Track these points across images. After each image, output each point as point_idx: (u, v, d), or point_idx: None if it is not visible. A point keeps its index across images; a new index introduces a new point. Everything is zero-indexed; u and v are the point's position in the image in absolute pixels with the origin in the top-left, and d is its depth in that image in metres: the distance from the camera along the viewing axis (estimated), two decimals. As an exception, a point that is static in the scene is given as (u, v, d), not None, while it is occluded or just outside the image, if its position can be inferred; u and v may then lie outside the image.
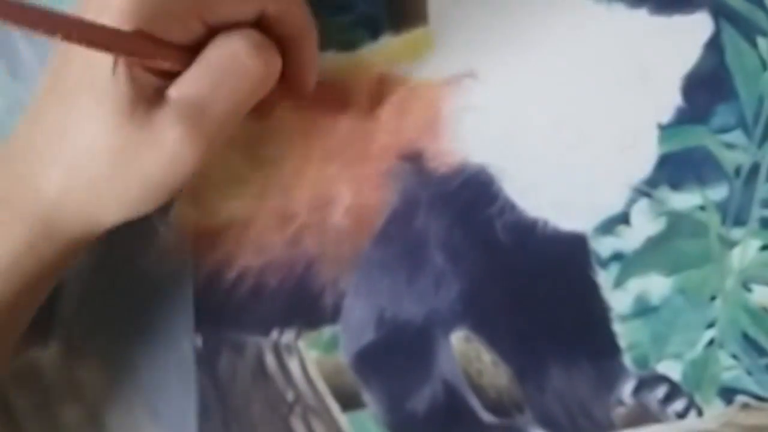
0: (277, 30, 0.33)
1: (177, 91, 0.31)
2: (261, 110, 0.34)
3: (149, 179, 0.32)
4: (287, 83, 0.34)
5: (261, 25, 0.32)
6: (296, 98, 0.36)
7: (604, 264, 0.38)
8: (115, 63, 0.30)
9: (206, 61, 0.31)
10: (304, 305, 0.39)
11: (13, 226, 0.33)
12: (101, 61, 0.30)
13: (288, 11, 0.33)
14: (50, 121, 0.32)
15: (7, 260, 0.33)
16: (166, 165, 0.31)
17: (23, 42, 0.40)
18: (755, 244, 0.38)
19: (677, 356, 0.38)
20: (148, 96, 0.31)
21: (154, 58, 0.30)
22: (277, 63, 0.32)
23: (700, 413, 0.38)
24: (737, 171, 0.38)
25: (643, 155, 0.38)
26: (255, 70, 0.31)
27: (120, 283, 0.40)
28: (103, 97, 0.30)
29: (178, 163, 0.31)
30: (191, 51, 0.31)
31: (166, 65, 0.31)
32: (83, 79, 0.31)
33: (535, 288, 0.39)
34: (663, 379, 0.38)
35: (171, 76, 0.31)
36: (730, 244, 0.38)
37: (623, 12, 0.38)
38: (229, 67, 0.31)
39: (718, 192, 0.38)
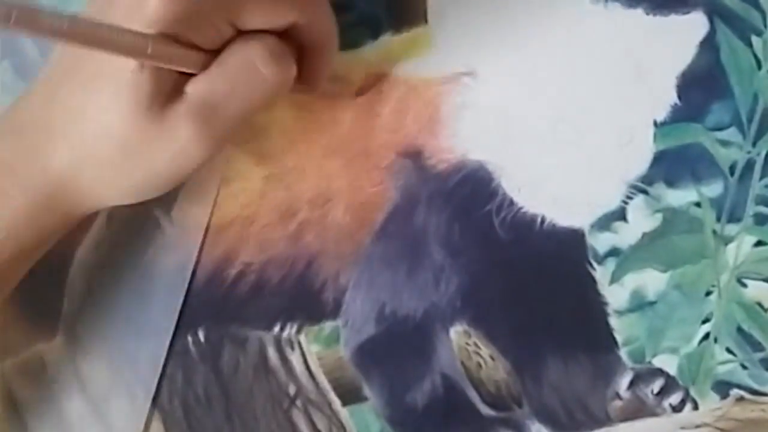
0: (303, 38, 0.33)
1: (193, 89, 0.32)
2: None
3: (155, 170, 0.33)
4: (299, 80, 0.34)
5: (288, 32, 0.33)
6: (303, 93, 0.36)
7: (601, 259, 0.39)
8: (141, 63, 0.30)
9: (224, 64, 0.32)
10: (305, 300, 0.40)
11: (15, 195, 0.34)
12: None
13: (316, 22, 0.34)
14: (67, 101, 0.33)
15: (4, 227, 0.34)
16: (174, 159, 0.32)
17: (29, 41, 0.40)
18: (750, 240, 0.39)
19: (673, 350, 0.39)
20: (167, 91, 0.31)
21: (177, 64, 0.31)
22: (291, 72, 0.33)
23: (695, 407, 0.39)
24: (732, 168, 0.39)
25: (640, 152, 0.39)
26: (270, 78, 0.32)
27: (124, 278, 0.40)
28: (123, 88, 0.31)
29: (185, 159, 0.32)
30: (213, 53, 0.32)
31: (188, 69, 0.31)
32: (106, 67, 0.31)
33: (533, 283, 0.39)
34: (659, 372, 0.39)
35: (190, 73, 0.32)
36: (725, 240, 0.39)
37: (620, 11, 0.39)
38: (244, 73, 0.32)
39: (714, 189, 0.39)
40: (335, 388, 0.40)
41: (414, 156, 0.39)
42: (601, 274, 0.39)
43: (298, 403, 0.40)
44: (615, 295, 0.39)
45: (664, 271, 0.39)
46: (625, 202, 0.39)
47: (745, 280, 0.39)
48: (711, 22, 0.38)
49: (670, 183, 0.39)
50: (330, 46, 0.35)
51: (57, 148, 0.33)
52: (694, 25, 0.39)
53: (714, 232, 0.39)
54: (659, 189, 0.39)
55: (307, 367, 0.40)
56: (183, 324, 0.40)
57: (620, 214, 0.39)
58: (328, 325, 0.40)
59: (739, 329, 0.39)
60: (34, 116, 0.34)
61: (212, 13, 0.31)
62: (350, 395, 0.40)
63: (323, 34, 0.34)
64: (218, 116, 0.32)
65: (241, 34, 0.32)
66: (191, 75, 0.32)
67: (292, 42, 0.33)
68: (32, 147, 0.33)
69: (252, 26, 0.32)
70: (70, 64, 0.33)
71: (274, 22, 0.32)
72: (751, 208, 0.39)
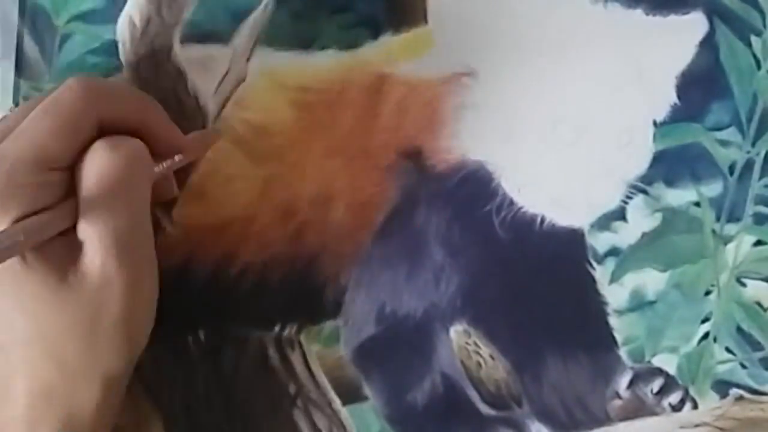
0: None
1: (73, 240, 0.32)
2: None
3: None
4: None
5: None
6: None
7: (601, 259, 0.39)
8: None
9: (80, 172, 0.32)
10: (305, 300, 0.40)
11: None
12: None
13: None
14: None
15: None
16: (111, 297, 0.32)
17: (29, 40, 0.40)
18: (749, 239, 0.39)
19: (672, 350, 0.39)
20: (57, 264, 0.31)
21: (54, 228, 0.31)
22: (136, 148, 0.33)
23: (695, 406, 0.39)
24: (731, 168, 0.39)
25: (639, 152, 0.39)
26: (116, 164, 0.32)
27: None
28: (23, 295, 0.31)
29: (116, 290, 0.32)
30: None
31: (66, 224, 0.32)
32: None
33: (532, 283, 0.39)
34: (658, 372, 0.39)
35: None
36: (725, 240, 0.39)
37: (619, 12, 0.39)
38: (95, 170, 0.32)
39: (713, 188, 0.39)
40: (335, 388, 0.40)
41: (414, 156, 0.39)
42: (600, 273, 0.39)
43: (299, 402, 0.40)
44: (615, 295, 0.39)
45: (664, 271, 0.39)
46: (625, 202, 0.39)
47: (744, 280, 0.39)
48: (710, 22, 0.39)
49: (670, 183, 0.39)
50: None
51: None
52: (693, 26, 0.39)
53: (713, 231, 0.39)
54: (659, 189, 0.39)
55: (308, 367, 0.40)
56: (183, 324, 0.40)
57: (620, 214, 0.39)
58: (328, 325, 0.40)
59: (739, 329, 0.39)
60: None
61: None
62: (350, 394, 0.40)
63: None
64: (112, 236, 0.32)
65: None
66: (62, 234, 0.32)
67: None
68: None
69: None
70: None
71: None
72: (751, 208, 0.39)
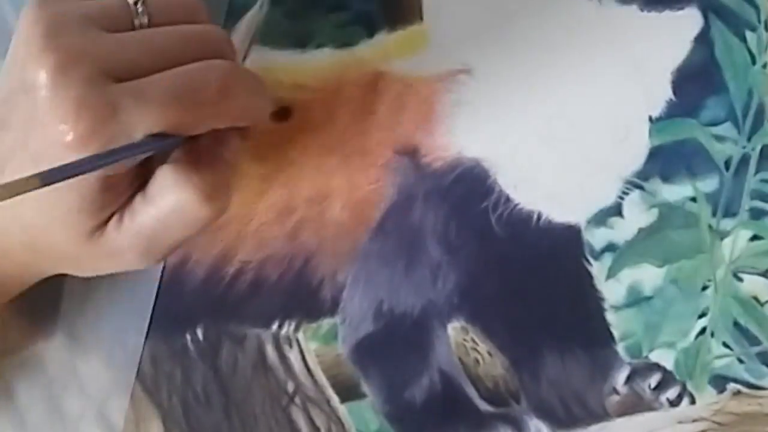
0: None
1: (131, 225, 0.32)
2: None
3: (102, 272, 0.34)
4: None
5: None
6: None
7: (598, 255, 0.39)
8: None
9: (153, 197, 0.32)
10: (303, 298, 0.40)
11: None
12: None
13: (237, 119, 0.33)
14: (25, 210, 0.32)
15: None
16: (119, 270, 0.34)
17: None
18: (745, 234, 0.39)
19: (670, 345, 0.39)
20: (105, 220, 0.32)
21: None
22: (227, 203, 0.32)
23: (692, 401, 0.39)
24: (727, 163, 0.39)
25: (635, 148, 0.39)
26: (204, 218, 0.32)
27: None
28: (69, 218, 0.31)
29: (131, 269, 0.34)
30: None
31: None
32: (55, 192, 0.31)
33: (529, 279, 0.39)
34: (656, 367, 0.39)
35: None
36: (721, 235, 0.39)
37: (614, 8, 0.39)
38: (178, 214, 0.31)
39: (709, 184, 0.39)
40: (333, 385, 0.40)
41: (410, 153, 0.39)
42: (597, 269, 0.39)
43: (297, 400, 0.40)
44: (611, 291, 0.39)
45: (661, 266, 0.39)
46: (621, 198, 0.39)
47: (740, 275, 0.39)
48: (705, 17, 0.39)
49: (666, 178, 0.39)
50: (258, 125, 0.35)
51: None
52: (688, 21, 0.39)
53: (710, 226, 0.39)
54: (655, 184, 0.39)
55: (306, 365, 0.40)
56: (181, 322, 0.40)
57: (616, 210, 0.39)
58: (326, 323, 0.40)
59: (736, 323, 0.39)
60: None
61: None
62: (348, 392, 0.40)
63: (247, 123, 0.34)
64: (157, 244, 0.32)
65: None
66: (128, 200, 0.32)
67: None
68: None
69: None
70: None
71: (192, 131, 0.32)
72: (747, 203, 0.39)
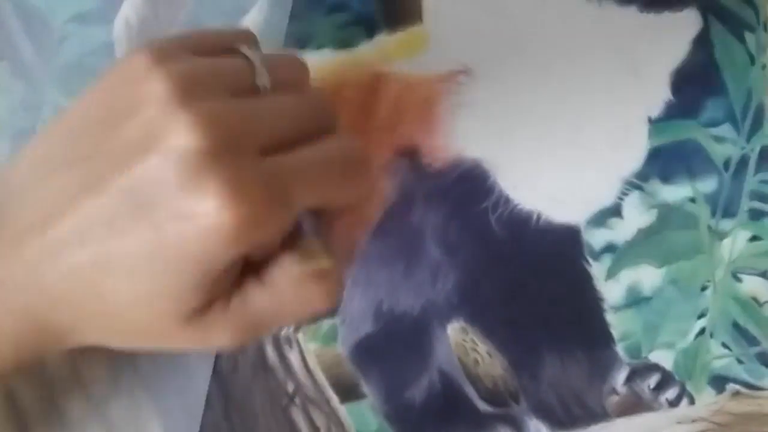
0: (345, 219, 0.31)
1: (239, 304, 0.29)
2: None
3: (175, 350, 0.30)
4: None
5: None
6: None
7: (597, 255, 0.39)
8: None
9: (273, 284, 0.29)
10: (303, 298, 0.40)
11: None
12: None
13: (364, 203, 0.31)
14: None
15: None
16: (197, 350, 0.31)
17: (25, 42, 0.40)
18: (744, 234, 0.39)
19: (669, 345, 0.39)
20: (212, 299, 0.28)
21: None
22: (338, 287, 0.30)
23: (691, 401, 0.39)
24: (726, 164, 0.39)
25: (634, 149, 0.39)
26: (319, 299, 0.29)
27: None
28: (173, 291, 0.27)
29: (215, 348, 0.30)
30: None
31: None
32: (172, 250, 0.26)
33: (529, 279, 0.39)
34: (655, 368, 0.39)
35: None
36: (720, 236, 0.39)
37: (614, 9, 0.39)
38: (294, 296, 0.29)
39: (708, 184, 0.39)
40: (333, 386, 0.40)
41: (410, 154, 0.40)
42: (596, 270, 0.39)
43: (297, 400, 0.40)
44: (611, 291, 0.39)
45: (660, 267, 0.39)
46: (621, 198, 0.39)
47: (740, 275, 0.39)
48: (704, 18, 0.39)
49: (665, 179, 0.39)
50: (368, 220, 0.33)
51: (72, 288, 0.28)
52: (687, 22, 0.39)
53: (709, 227, 0.39)
54: (654, 185, 0.39)
55: (305, 365, 0.40)
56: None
57: (615, 210, 0.39)
58: (325, 323, 0.40)
59: (735, 324, 0.39)
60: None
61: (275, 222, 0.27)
62: (348, 392, 0.40)
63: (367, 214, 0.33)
64: (258, 333, 0.30)
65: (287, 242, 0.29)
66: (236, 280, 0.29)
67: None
68: (33, 262, 0.28)
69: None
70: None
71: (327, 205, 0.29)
72: (746, 204, 0.39)
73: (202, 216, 0.25)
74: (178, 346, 0.29)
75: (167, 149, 0.25)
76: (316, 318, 0.33)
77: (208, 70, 0.27)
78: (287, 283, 0.29)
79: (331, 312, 0.40)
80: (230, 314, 0.29)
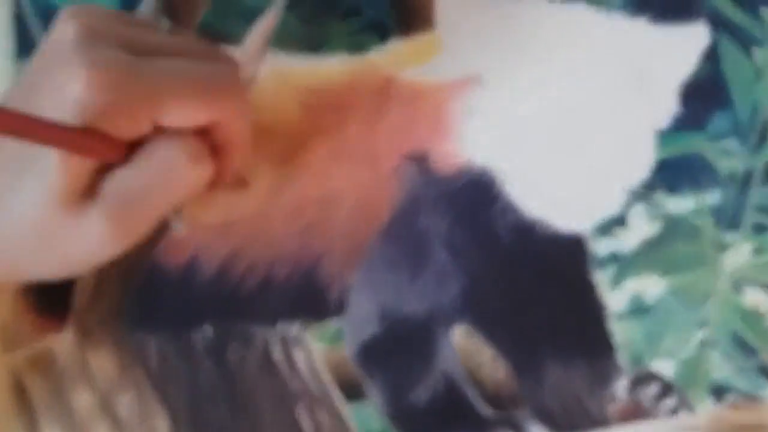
0: (218, 135, 0.33)
1: (109, 187, 0.31)
2: None
3: (70, 258, 0.32)
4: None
5: (204, 129, 0.32)
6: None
7: (601, 264, 0.39)
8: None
9: (142, 162, 0.31)
10: (310, 299, 0.40)
11: None
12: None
13: (233, 121, 0.33)
14: None
15: None
16: (88, 251, 0.32)
17: (33, 22, 0.41)
18: (747, 247, 0.39)
19: (670, 355, 0.39)
20: (83, 187, 0.31)
21: (96, 156, 0.31)
22: (208, 172, 0.32)
23: (691, 410, 0.39)
24: (732, 177, 0.39)
25: (641, 160, 0.39)
26: (187, 178, 0.31)
27: (132, 274, 0.40)
28: (42, 183, 0.30)
29: (100, 252, 0.32)
30: (131, 145, 0.31)
31: (107, 160, 0.31)
32: (29, 158, 0.30)
33: (533, 286, 0.40)
34: (656, 376, 0.39)
35: (106, 167, 0.31)
36: (723, 248, 0.39)
37: (623, 22, 0.39)
38: (163, 173, 0.31)
39: (713, 197, 0.39)
40: (339, 385, 0.40)
41: (419, 159, 0.40)
42: (600, 278, 0.39)
43: (302, 399, 0.40)
44: (614, 300, 0.39)
45: (663, 277, 0.39)
46: (626, 209, 0.39)
47: (741, 287, 0.39)
48: (713, 33, 0.39)
49: (671, 190, 0.39)
50: (242, 145, 0.34)
51: None
52: (696, 36, 0.39)
53: (712, 239, 0.39)
54: (660, 196, 0.39)
55: (312, 365, 0.40)
56: (189, 321, 0.41)
57: (621, 220, 0.39)
58: (332, 324, 0.40)
59: (736, 335, 0.39)
60: None
61: (134, 107, 0.30)
62: (353, 393, 0.40)
63: (237, 134, 0.33)
64: (134, 214, 0.31)
65: (158, 130, 0.31)
66: (105, 168, 0.31)
67: (206, 138, 0.32)
68: None
69: (170, 123, 0.31)
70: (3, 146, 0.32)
71: (194, 120, 0.31)
72: (749, 217, 0.39)
73: (68, 85, 0.29)
74: (62, 243, 0.32)
75: (52, 42, 0.31)
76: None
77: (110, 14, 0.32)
78: (159, 163, 0.31)
79: (338, 311, 0.40)
80: (101, 199, 0.31)
